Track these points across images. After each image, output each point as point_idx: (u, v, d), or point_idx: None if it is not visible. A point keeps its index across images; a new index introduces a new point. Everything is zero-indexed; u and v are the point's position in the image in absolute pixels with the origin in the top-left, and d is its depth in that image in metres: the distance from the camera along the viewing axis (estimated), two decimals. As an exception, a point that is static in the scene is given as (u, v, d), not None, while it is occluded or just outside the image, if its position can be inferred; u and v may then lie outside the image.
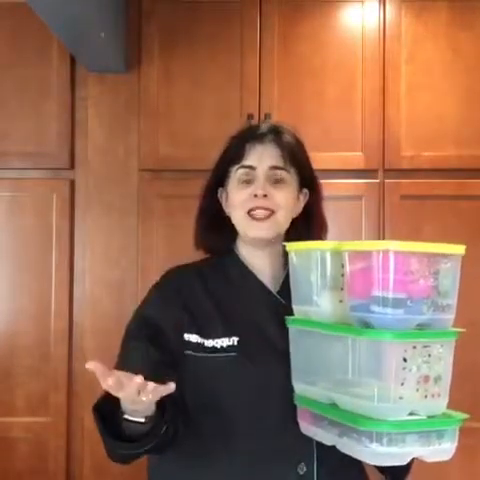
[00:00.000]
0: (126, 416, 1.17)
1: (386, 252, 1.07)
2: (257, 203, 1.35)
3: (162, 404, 1.17)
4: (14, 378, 2.51)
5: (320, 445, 1.25)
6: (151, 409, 1.17)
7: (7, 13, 2.55)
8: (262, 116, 2.46)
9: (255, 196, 1.35)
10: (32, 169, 2.57)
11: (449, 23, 2.51)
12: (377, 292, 1.08)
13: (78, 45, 2.35)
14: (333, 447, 1.17)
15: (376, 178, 2.49)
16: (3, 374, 2.52)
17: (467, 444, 1.24)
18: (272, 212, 1.36)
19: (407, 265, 1.08)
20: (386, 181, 2.48)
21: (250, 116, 2.44)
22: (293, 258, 1.28)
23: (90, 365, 1.05)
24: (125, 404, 1.15)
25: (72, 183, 2.57)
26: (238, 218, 1.38)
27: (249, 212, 1.36)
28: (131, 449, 1.20)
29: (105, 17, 2.25)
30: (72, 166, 2.57)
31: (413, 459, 1.26)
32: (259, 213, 1.35)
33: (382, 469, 1.34)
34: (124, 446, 1.19)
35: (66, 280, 2.53)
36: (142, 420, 1.17)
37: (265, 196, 1.35)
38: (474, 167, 2.48)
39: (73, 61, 2.55)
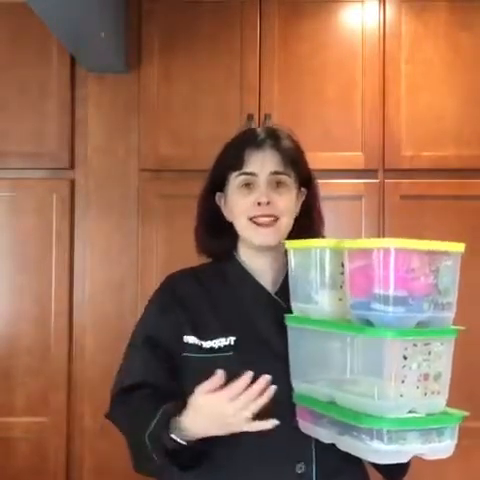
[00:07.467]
0: (173, 436, 1.19)
1: (387, 250, 1.07)
2: (261, 211, 1.35)
3: None
4: (14, 378, 2.51)
5: (319, 445, 1.25)
6: None
7: (7, 13, 2.55)
8: (262, 116, 2.46)
9: (259, 204, 1.35)
10: (32, 169, 2.56)
11: (449, 23, 2.51)
12: (378, 290, 1.08)
13: (78, 45, 2.35)
14: (332, 447, 1.17)
15: (376, 178, 2.49)
16: (3, 374, 2.51)
17: (464, 444, 1.23)
18: (276, 218, 1.36)
19: (408, 263, 1.08)
20: (386, 181, 2.48)
21: (250, 116, 2.44)
22: (292, 256, 1.28)
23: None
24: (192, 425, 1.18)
25: (72, 183, 2.56)
26: (242, 226, 1.39)
27: (253, 219, 1.36)
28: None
29: (105, 17, 2.25)
30: (72, 166, 2.57)
31: (410, 459, 1.27)
32: (263, 220, 1.36)
33: (381, 469, 1.34)
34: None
35: (66, 280, 2.53)
36: (184, 443, 1.20)
37: (268, 203, 1.35)
38: (474, 167, 2.47)
39: (73, 61, 2.55)
